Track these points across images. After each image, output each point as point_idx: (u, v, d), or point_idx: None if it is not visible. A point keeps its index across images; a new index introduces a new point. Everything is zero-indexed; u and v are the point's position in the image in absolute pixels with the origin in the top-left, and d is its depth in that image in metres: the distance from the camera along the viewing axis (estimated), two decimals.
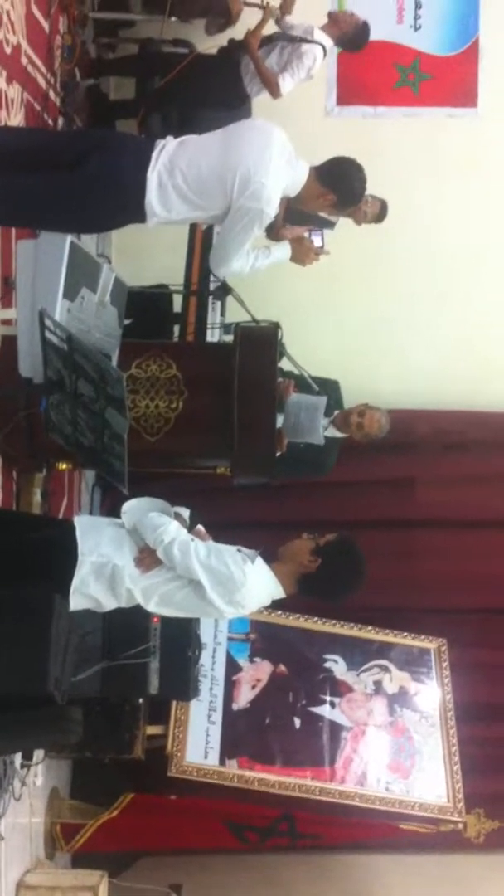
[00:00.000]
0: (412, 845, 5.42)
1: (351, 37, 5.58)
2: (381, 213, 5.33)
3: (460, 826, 5.22)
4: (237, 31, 5.65)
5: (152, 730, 5.02)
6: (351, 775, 5.18)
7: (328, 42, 5.52)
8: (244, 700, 5.25)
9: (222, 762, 5.01)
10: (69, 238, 3.40)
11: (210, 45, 5.72)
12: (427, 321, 6.35)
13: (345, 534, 3.51)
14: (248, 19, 5.59)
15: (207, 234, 4.87)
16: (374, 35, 5.77)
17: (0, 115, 4.57)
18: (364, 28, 5.59)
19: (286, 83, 5.45)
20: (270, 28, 5.57)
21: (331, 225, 5.24)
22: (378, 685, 5.52)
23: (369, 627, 5.67)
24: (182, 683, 4.68)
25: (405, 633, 5.71)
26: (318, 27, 5.48)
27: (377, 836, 5.40)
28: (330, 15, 5.60)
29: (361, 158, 3.82)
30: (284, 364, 4.40)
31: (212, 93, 5.51)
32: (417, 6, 6.36)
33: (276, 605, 3.59)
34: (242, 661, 5.36)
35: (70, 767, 5.39)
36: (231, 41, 5.63)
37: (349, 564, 3.45)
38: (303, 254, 4.08)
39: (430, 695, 5.55)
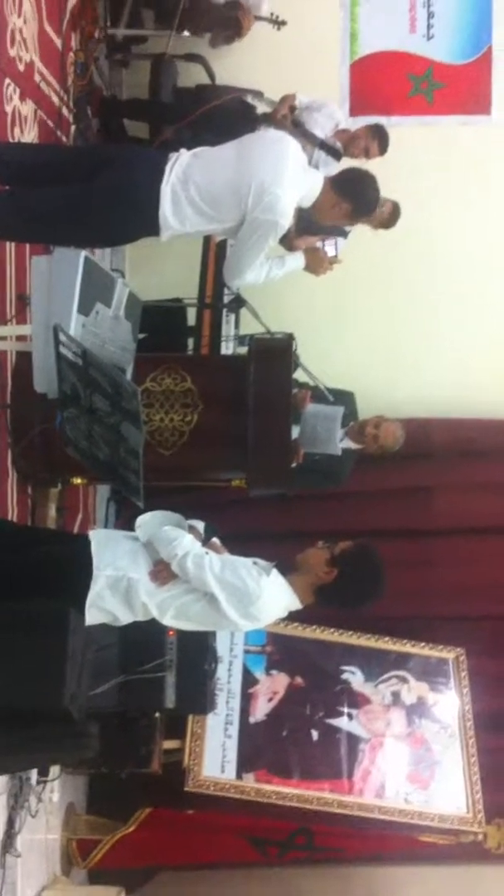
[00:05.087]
0: (432, 857, 5.37)
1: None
2: (393, 214, 5.28)
3: (480, 837, 5.19)
4: (244, 51, 5.60)
5: (169, 744, 5.01)
6: (369, 787, 5.17)
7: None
8: (261, 713, 5.25)
9: (239, 776, 5.01)
10: (83, 253, 3.40)
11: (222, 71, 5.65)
12: (440, 329, 6.32)
13: (362, 541, 3.43)
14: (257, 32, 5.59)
15: (221, 246, 4.87)
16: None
17: (14, 131, 4.60)
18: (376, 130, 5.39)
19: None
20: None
21: (344, 234, 5.23)
22: (396, 696, 5.50)
23: (387, 638, 5.65)
24: (198, 697, 4.69)
25: (423, 643, 5.69)
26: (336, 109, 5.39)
27: (396, 848, 5.36)
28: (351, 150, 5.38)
29: (375, 168, 3.84)
30: (300, 375, 4.39)
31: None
32: (430, 16, 6.34)
33: (292, 616, 3.56)
34: (259, 674, 5.34)
35: (86, 783, 5.37)
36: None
37: (367, 573, 3.38)
38: (316, 263, 4.08)
39: (449, 705, 5.52)
